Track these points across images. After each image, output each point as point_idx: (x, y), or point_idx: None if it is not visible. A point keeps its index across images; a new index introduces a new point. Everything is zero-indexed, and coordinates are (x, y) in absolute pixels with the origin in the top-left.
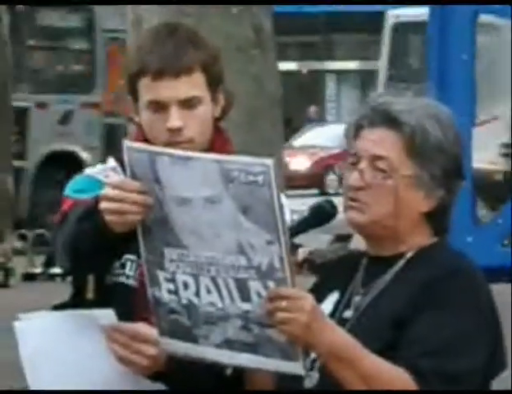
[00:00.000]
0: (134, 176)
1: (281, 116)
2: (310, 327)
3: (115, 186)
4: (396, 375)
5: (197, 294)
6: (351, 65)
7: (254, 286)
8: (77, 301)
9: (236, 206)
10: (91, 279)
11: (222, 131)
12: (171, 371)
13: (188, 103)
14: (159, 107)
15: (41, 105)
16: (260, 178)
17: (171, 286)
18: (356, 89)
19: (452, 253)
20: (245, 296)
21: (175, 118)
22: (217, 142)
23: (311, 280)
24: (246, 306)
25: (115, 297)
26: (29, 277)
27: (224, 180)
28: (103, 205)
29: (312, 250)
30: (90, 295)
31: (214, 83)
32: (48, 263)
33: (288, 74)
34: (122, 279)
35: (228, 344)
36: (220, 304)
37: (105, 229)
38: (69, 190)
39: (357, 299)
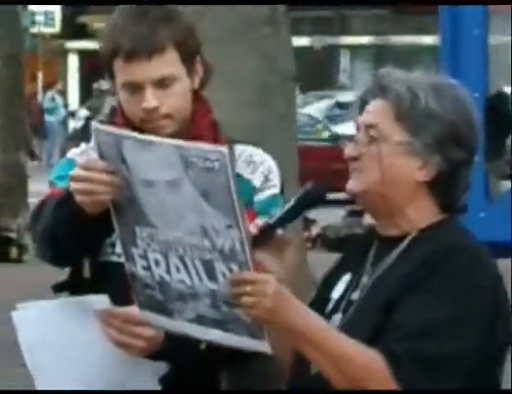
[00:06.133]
0: (102, 157)
1: (294, 92)
2: (274, 310)
3: (82, 167)
4: (368, 356)
5: (168, 271)
6: (365, 40)
7: (219, 267)
8: (75, 280)
9: (197, 191)
10: (86, 259)
11: (203, 101)
12: (169, 349)
13: (162, 82)
14: (134, 87)
15: None
16: (216, 165)
17: (145, 263)
18: (370, 63)
19: (457, 231)
20: (212, 276)
21: (150, 98)
22: (198, 113)
23: (324, 256)
24: (213, 285)
25: (110, 275)
26: None
27: (184, 165)
28: (72, 186)
29: (325, 226)
30: (87, 274)
31: (189, 57)
32: None
33: (301, 49)
34: (114, 258)
35: (200, 320)
36: (189, 283)
37: (80, 212)
38: (52, 176)
39: (364, 280)
